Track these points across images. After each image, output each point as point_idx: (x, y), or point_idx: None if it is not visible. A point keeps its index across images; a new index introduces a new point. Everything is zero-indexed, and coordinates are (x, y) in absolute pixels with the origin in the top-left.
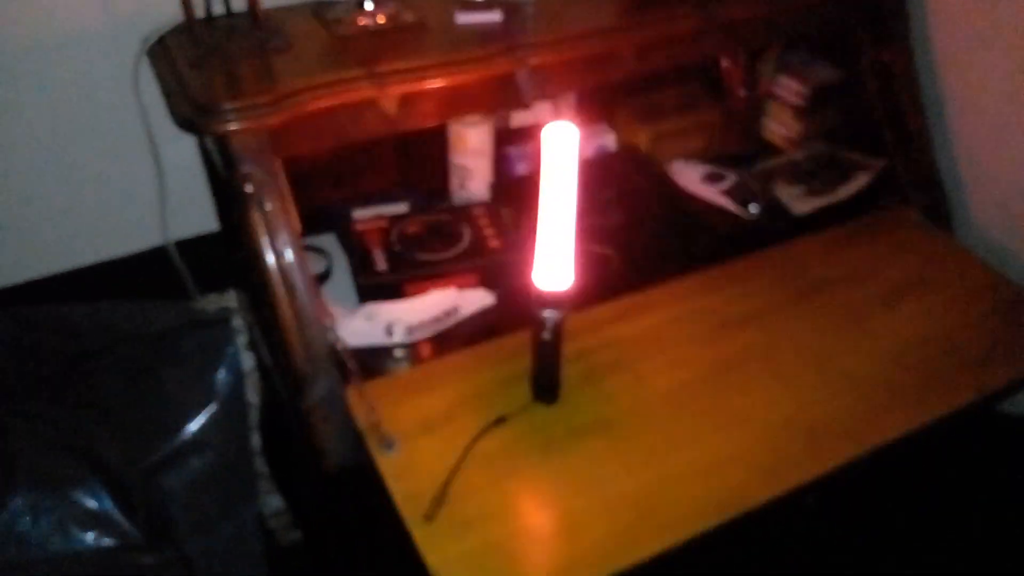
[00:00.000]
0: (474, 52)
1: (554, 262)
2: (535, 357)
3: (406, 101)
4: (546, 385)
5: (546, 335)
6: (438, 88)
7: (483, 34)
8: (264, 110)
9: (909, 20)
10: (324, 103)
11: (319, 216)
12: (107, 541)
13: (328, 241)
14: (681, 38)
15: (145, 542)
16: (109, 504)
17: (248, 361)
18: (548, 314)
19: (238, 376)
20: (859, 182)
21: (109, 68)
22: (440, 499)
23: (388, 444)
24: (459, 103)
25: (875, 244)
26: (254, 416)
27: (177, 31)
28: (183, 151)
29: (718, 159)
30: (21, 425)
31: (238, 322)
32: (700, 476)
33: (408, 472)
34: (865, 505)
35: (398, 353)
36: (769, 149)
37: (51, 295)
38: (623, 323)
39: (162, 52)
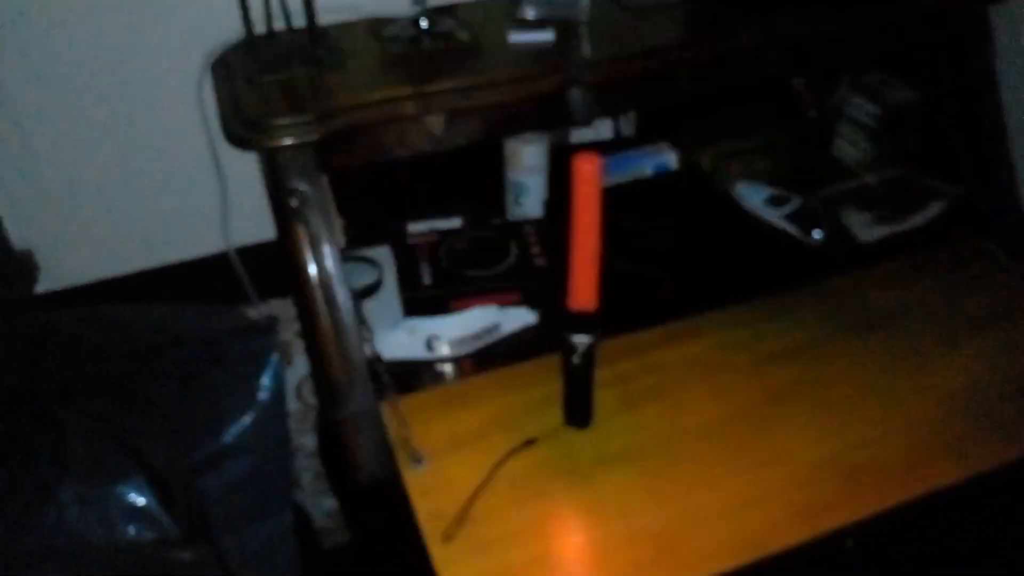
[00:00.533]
0: (522, 71)
1: (583, 287)
2: (565, 382)
3: (452, 120)
4: (577, 409)
5: (576, 360)
6: (484, 107)
7: (535, 53)
8: (310, 127)
9: (992, 40)
10: (370, 120)
11: (376, 228)
12: (147, 535)
13: (382, 253)
14: (739, 56)
15: (183, 539)
16: (152, 500)
17: (305, 365)
18: (578, 339)
19: (279, 383)
20: (933, 210)
21: (176, 82)
22: (461, 518)
23: (417, 459)
24: (506, 122)
25: (945, 277)
26: (311, 417)
27: (239, 47)
28: (246, 161)
29: (786, 181)
30: (75, 419)
31: (292, 329)
32: (730, 514)
33: (434, 489)
34: (912, 554)
35: (438, 368)
36: (842, 172)
37: (115, 296)
38: (667, 348)
39: (223, 67)
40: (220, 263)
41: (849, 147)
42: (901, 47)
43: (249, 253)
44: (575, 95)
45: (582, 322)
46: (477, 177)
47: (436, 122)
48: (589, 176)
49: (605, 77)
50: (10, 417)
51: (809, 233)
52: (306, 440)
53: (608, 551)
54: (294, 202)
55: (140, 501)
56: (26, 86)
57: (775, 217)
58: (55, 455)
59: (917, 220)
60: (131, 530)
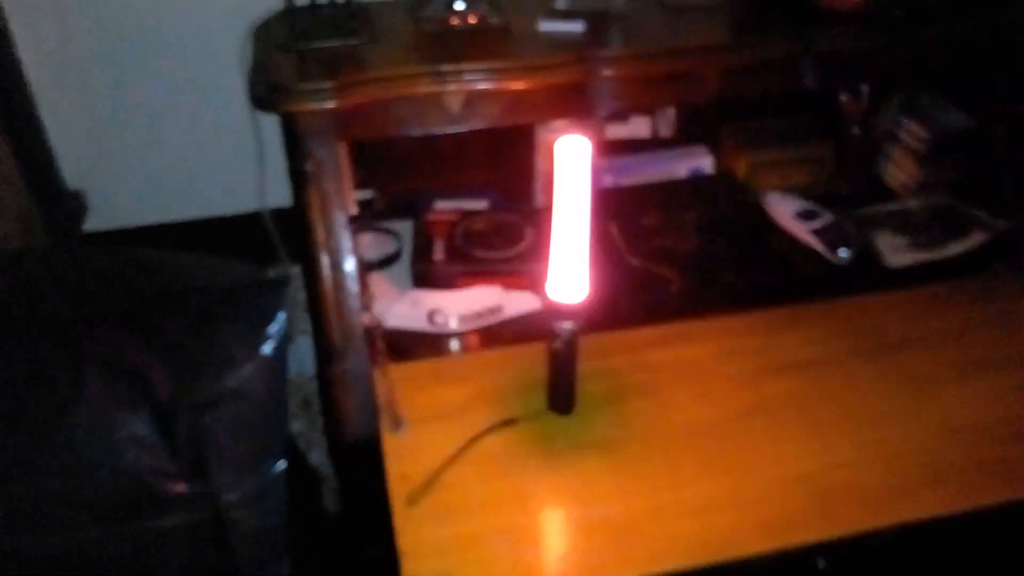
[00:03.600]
0: (544, 59)
1: (567, 275)
2: (549, 367)
3: (470, 101)
4: (560, 396)
5: (558, 345)
6: (503, 91)
7: (563, 43)
8: (329, 95)
9: None
10: (387, 94)
11: (408, 203)
12: (147, 465)
13: (405, 227)
14: (772, 65)
15: (180, 472)
16: (155, 432)
17: None
18: (560, 325)
19: (283, 338)
20: (973, 241)
21: (224, 45)
22: (429, 484)
23: (398, 424)
24: (524, 108)
25: (969, 310)
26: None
27: (282, 16)
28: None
29: (824, 197)
30: (94, 348)
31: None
32: (693, 515)
33: (408, 454)
34: None
35: (437, 341)
36: (883, 194)
37: (153, 242)
38: (664, 349)
39: (263, 34)
40: (254, 222)
41: (895, 169)
42: (948, 69)
43: (283, 215)
44: (594, 87)
45: (566, 310)
46: (513, 163)
47: (454, 102)
48: (579, 159)
49: (627, 73)
50: (37, 339)
51: (836, 251)
52: None
53: (565, 533)
54: (309, 166)
55: (144, 431)
56: (90, 36)
57: (803, 231)
58: (73, 378)
59: (953, 249)
60: (133, 458)
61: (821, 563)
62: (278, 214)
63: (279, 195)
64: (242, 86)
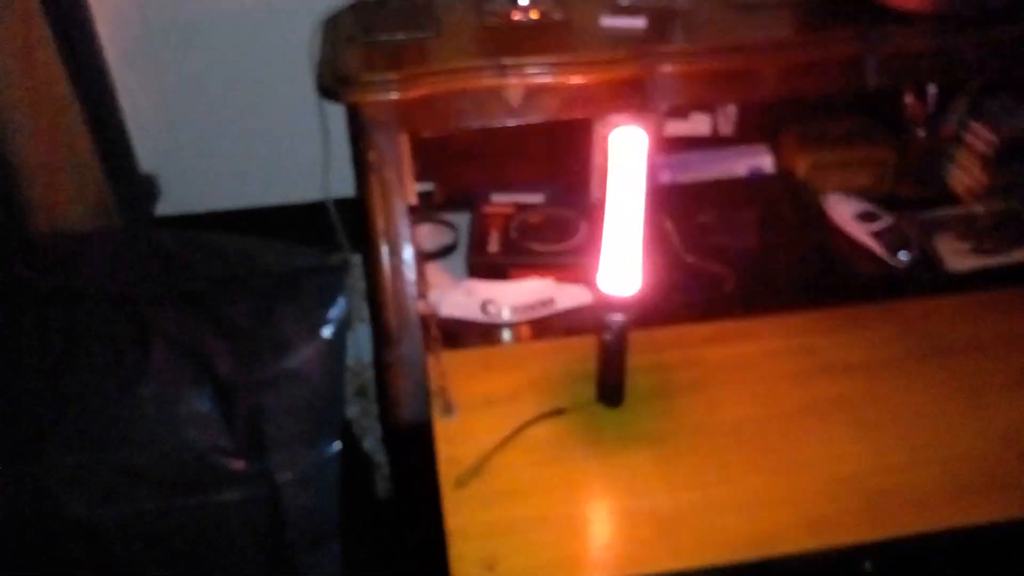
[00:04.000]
0: (604, 54)
1: (619, 267)
2: (599, 359)
3: (530, 94)
4: (609, 387)
5: (608, 337)
6: (563, 85)
7: (624, 38)
8: (393, 86)
9: None
10: (448, 87)
11: (466, 195)
12: (206, 441)
13: (462, 219)
14: (834, 65)
15: (237, 449)
16: (215, 409)
17: None
18: (611, 317)
19: (342, 322)
20: None
21: (294, 37)
22: (478, 469)
23: (449, 409)
24: (583, 102)
25: None
26: None
27: (351, 10)
28: None
29: (886, 200)
30: (160, 326)
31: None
32: (739, 511)
33: (458, 438)
34: None
35: (490, 331)
36: (948, 198)
37: (221, 227)
38: (715, 346)
39: (332, 26)
40: (320, 211)
41: (960, 173)
42: (1017, 72)
43: (347, 205)
44: (652, 83)
45: (616, 302)
46: (571, 158)
47: (514, 95)
48: (634, 151)
49: (686, 69)
50: (107, 317)
51: (895, 254)
52: None
53: (610, 523)
54: (371, 156)
55: (205, 408)
56: (168, 25)
57: (862, 233)
58: (140, 355)
59: (1018, 256)
60: (194, 433)
61: (868, 566)
62: (342, 204)
63: (344, 185)
64: (311, 78)
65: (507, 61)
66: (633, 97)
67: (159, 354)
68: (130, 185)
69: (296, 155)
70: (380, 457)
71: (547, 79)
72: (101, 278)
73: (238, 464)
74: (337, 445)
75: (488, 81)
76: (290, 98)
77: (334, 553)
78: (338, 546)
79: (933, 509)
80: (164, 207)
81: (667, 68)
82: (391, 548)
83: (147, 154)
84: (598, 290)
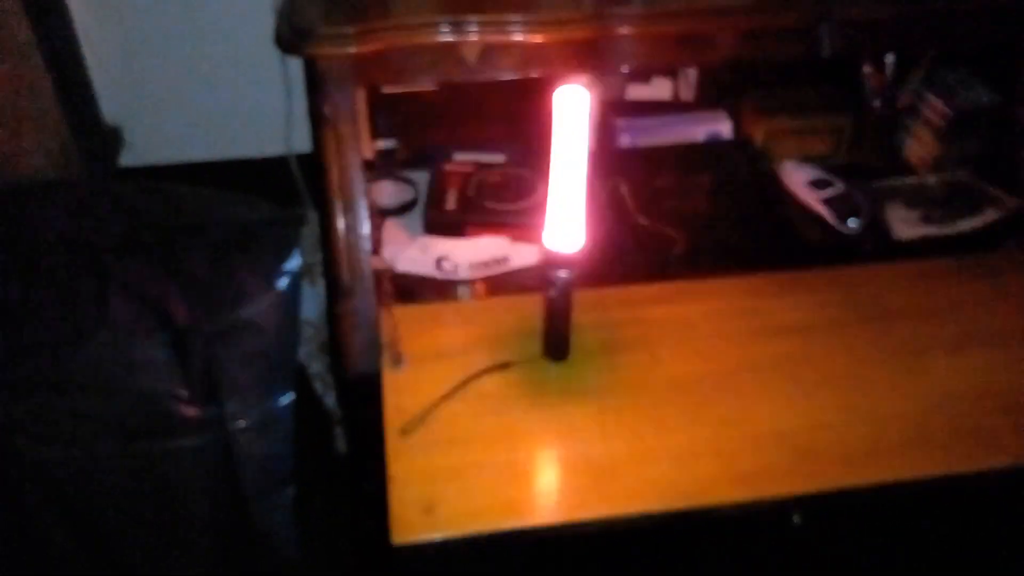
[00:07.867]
0: (560, 14)
1: (564, 224)
2: (544, 314)
3: (486, 52)
4: (554, 342)
5: (553, 293)
6: (517, 44)
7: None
8: (350, 40)
9: None
10: (405, 42)
11: (429, 154)
12: (162, 387)
13: (423, 177)
14: (789, 32)
15: (193, 398)
16: (172, 357)
17: None
18: (556, 274)
19: (297, 275)
20: (985, 218)
21: None
22: (422, 418)
23: (398, 361)
24: (540, 62)
25: (971, 284)
26: None
27: None
28: None
29: (841, 168)
30: (118, 274)
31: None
32: (672, 460)
33: (406, 389)
34: (866, 544)
35: (443, 287)
36: (901, 168)
37: (183, 179)
38: (661, 305)
39: None
40: (283, 166)
41: (915, 143)
42: (974, 44)
43: (308, 160)
44: (606, 44)
45: (561, 259)
46: (533, 119)
47: (471, 52)
48: (577, 109)
49: (642, 31)
50: (66, 263)
51: (845, 221)
52: None
53: (548, 471)
54: (327, 109)
55: (161, 355)
56: None
57: (814, 200)
58: (98, 301)
59: (964, 226)
60: (150, 380)
61: (796, 518)
62: (305, 159)
63: (306, 141)
64: (271, 31)
65: (464, 18)
66: (590, 58)
67: (116, 301)
68: (93, 136)
69: (261, 109)
70: (340, 414)
71: (503, 37)
72: (60, 227)
73: (193, 411)
74: (291, 395)
75: (444, 38)
76: (256, 52)
77: (287, 501)
78: (291, 495)
79: (860, 466)
80: (128, 158)
81: (624, 30)
82: (345, 498)
83: (111, 105)
84: (543, 247)
